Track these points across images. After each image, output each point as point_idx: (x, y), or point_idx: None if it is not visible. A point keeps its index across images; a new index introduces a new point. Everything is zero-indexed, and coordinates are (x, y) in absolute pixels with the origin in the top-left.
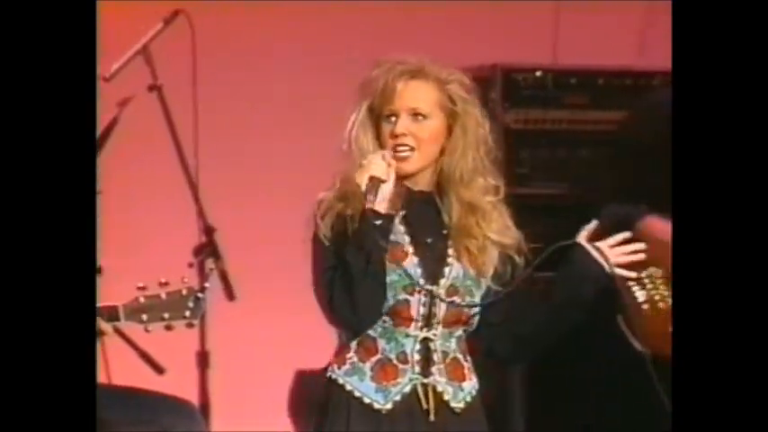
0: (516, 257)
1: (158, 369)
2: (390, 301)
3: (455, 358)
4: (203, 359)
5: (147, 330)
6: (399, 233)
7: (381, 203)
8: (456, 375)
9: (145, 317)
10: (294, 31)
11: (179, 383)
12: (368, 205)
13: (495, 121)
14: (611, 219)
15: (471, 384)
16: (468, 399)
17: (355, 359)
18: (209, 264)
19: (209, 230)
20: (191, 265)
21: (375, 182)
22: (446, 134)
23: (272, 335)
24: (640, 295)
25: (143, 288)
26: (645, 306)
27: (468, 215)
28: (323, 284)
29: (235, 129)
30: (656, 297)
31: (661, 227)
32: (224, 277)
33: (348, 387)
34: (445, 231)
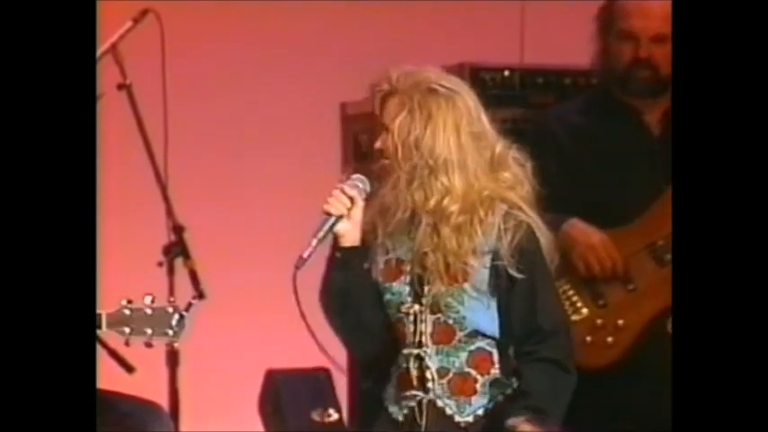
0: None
1: (128, 368)
2: (391, 320)
3: (461, 373)
4: (173, 358)
5: (127, 344)
6: (404, 250)
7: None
8: (462, 390)
9: (127, 329)
10: (263, 31)
11: (148, 382)
12: None
13: None
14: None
15: (481, 401)
16: (480, 413)
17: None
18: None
19: (178, 229)
20: (160, 264)
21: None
22: None
23: (241, 333)
24: None
25: (129, 302)
26: None
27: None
28: None
29: (204, 128)
30: (569, 309)
31: (581, 230)
32: (193, 276)
33: (384, 403)
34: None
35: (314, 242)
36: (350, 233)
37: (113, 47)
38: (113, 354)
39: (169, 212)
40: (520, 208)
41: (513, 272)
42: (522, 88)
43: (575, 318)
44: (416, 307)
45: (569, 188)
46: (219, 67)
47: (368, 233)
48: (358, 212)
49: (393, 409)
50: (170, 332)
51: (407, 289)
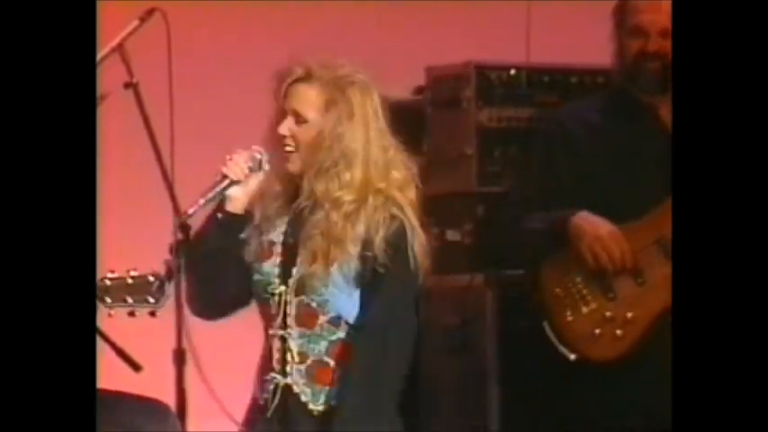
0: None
1: (135, 366)
2: (258, 300)
3: (319, 361)
4: (180, 357)
5: (109, 315)
6: (276, 233)
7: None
8: (319, 379)
9: (108, 299)
10: (269, 30)
11: (155, 381)
12: None
13: (469, 118)
14: (543, 222)
15: (336, 391)
16: (332, 403)
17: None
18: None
19: (185, 228)
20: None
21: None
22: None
23: (249, 332)
24: (563, 299)
25: (112, 272)
26: (568, 309)
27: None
28: None
29: (211, 127)
30: (579, 301)
31: (588, 223)
32: None
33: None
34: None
35: (201, 201)
36: (238, 200)
37: (120, 46)
38: (120, 352)
39: (176, 211)
40: (401, 207)
41: (378, 264)
42: (529, 87)
43: (584, 310)
44: (282, 288)
45: (583, 183)
46: (226, 65)
47: (247, 213)
48: (253, 183)
49: (257, 394)
50: (151, 300)
51: (276, 270)
